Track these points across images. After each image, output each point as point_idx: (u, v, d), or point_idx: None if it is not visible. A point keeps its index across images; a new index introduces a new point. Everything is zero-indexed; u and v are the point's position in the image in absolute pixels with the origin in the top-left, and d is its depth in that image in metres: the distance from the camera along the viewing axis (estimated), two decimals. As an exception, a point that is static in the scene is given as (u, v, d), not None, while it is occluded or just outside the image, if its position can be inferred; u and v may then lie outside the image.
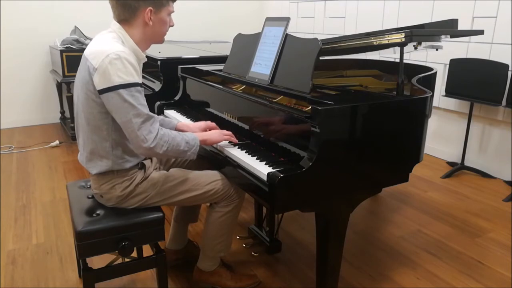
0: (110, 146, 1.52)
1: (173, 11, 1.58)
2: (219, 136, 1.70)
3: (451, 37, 2.74)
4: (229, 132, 1.74)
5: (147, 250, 1.88)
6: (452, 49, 3.39)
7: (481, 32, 2.23)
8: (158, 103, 2.36)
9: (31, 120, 4.78)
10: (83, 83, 1.46)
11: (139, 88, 1.44)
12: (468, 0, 3.31)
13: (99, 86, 1.41)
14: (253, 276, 1.96)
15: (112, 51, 1.40)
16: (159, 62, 2.67)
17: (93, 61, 1.41)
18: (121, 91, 1.39)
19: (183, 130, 1.83)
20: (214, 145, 1.77)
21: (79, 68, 1.52)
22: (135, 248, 1.69)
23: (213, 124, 1.86)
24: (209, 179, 1.69)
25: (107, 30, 1.53)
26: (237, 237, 2.27)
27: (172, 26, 1.61)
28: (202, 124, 1.86)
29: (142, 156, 1.62)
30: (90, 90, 1.44)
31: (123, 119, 1.42)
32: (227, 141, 1.75)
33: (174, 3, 1.60)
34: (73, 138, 4.08)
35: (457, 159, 3.56)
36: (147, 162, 1.65)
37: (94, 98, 1.44)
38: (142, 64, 1.60)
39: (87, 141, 1.53)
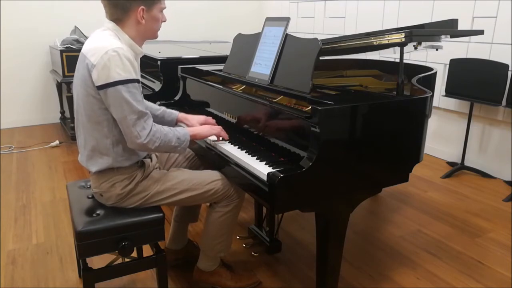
0: (111, 143, 1.53)
1: (164, 7, 1.60)
2: (208, 131, 1.72)
3: (451, 37, 2.74)
4: (219, 127, 1.75)
5: (147, 250, 1.88)
6: (452, 49, 3.38)
7: (481, 32, 2.23)
8: (158, 103, 2.35)
9: (31, 120, 4.77)
10: (83, 81, 1.47)
11: (136, 84, 1.47)
12: (468, 0, 3.31)
13: (98, 82, 1.42)
14: (253, 276, 1.97)
15: (111, 48, 1.42)
16: (159, 62, 2.67)
17: (92, 58, 1.43)
18: (119, 87, 1.41)
19: (183, 122, 1.88)
20: (213, 145, 1.77)
21: (77, 66, 1.53)
22: (135, 248, 1.69)
23: (213, 120, 1.88)
24: (209, 179, 1.69)
25: (101, 29, 1.55)
26: (237, 237, 2.27)
27: (164, 21, 1.62)
28: (201, 118, 1.88)
29: (141, 154, 1.63)
30: (89, 86, 1.45)
31: (119, 115, 1.45)
32: (221, 139, 1.76)
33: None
34: (73, 138, 4.07)
35: (457, 159, 3.56)
36: (147, 161, 1.65)
37: (93, 94, 1.46)
38: (139, 60, 1.61)
39: (88, 139, 1.54)
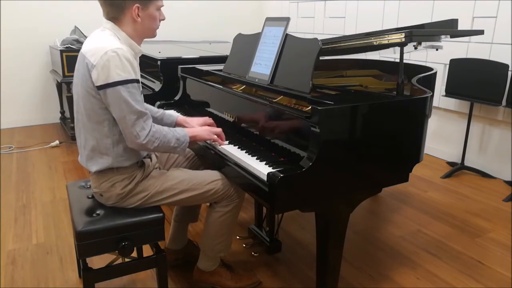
0: (111, 143, 1.53)
1: (162, 6, 1.59)
2: (207, 135, 1.72)
3: (451, 37, 2.74)
4: (219, 130, 1.75)
5: (147, 250, 1.88)
6: (452, 49, 3.38)
7: (481, 32, 2.23)
8: (158, 103, 2.36)
9: (31, 120, 4.77)
10: (83, 80, 1.47)
11: (135, 84, 1.47)
12: (468, 0, 3.31)
13: (98, 82, 1.43)
14: (253, 276, 1.97)
15: (110, 48, 1.42)
16: (159, 62, 2.67)
17: (91, 58, 1.43)
18: (119, 87, 1.42)
19: (183, 125, 1.87)
20: (213, 145, 1.77)
21: (76, 66, 1.54)
22: (135, 248, 1.69)
23: (211, 120, 1.88)
24: (209, 179, 1.69)
25: (100, 29, 1.55)
26: (237, 237, 2.27)
27: (163, 20, 1.62)
28: (200, 120, 1.88)
29: (141, 154, 1.63)
30: (89, 86, 1.46)
31: (119, 115, 1.45)
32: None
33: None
34: (73, 138, 4.07)
35: (457, 159, 3.56)
36: (146, 161, 1.66)
37: (94, 94, 1.46)
38: (139, 58, 1.62)
39: (88, 138, 1.54)
